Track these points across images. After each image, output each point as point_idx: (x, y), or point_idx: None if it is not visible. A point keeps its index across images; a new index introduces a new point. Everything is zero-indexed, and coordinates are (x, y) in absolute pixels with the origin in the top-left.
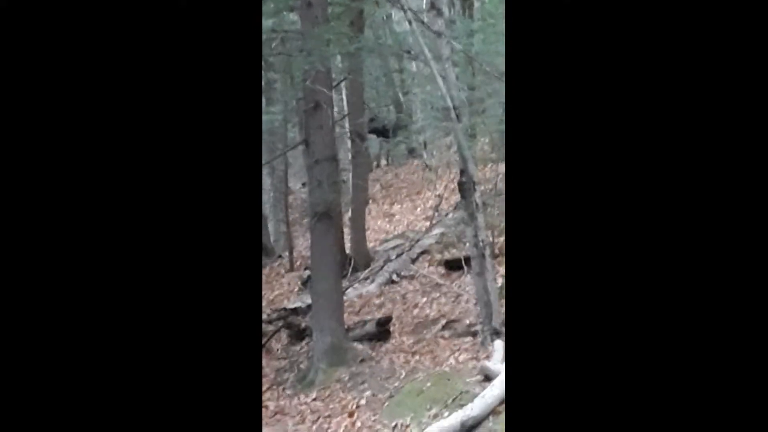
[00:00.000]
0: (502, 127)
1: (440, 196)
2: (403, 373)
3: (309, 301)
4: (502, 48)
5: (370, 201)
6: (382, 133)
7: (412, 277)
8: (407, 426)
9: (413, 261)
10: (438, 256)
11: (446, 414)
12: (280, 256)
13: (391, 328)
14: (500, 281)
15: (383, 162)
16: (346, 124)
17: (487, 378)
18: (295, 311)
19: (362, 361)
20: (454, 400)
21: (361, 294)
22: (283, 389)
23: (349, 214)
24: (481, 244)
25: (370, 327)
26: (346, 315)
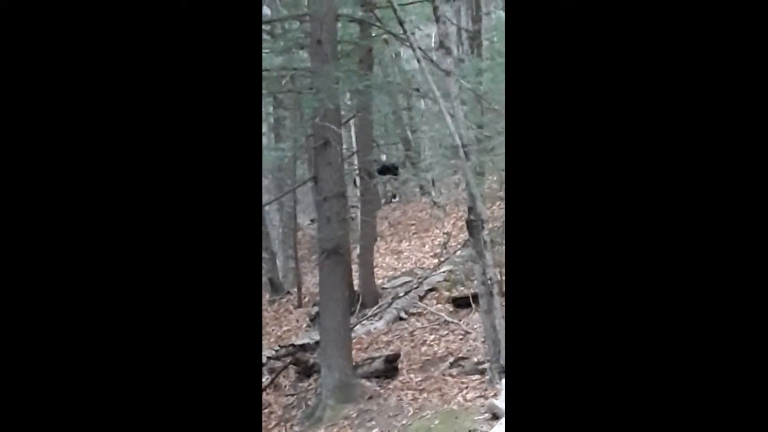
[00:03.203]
0: None
1: (448, 234)
2: (411, 411)
3: (317, 337)
4: None
5: (379, 238)
6: (390, 171)
7: (420, 315)
8: None
9: (421, 298)
10: (446, 294)
11: None
12: (288, 293)
13: (399, 365)
14: None
15: (392, 199)
16: (355, 161)
17: (495, 416)
18: (303, 347)
19: (370, 398)
20: None
21: (369, 331)
22: (291, 426)
23: (358, 251)
24: (489, 281)
25: (378, 364)
26: (354, 352)
